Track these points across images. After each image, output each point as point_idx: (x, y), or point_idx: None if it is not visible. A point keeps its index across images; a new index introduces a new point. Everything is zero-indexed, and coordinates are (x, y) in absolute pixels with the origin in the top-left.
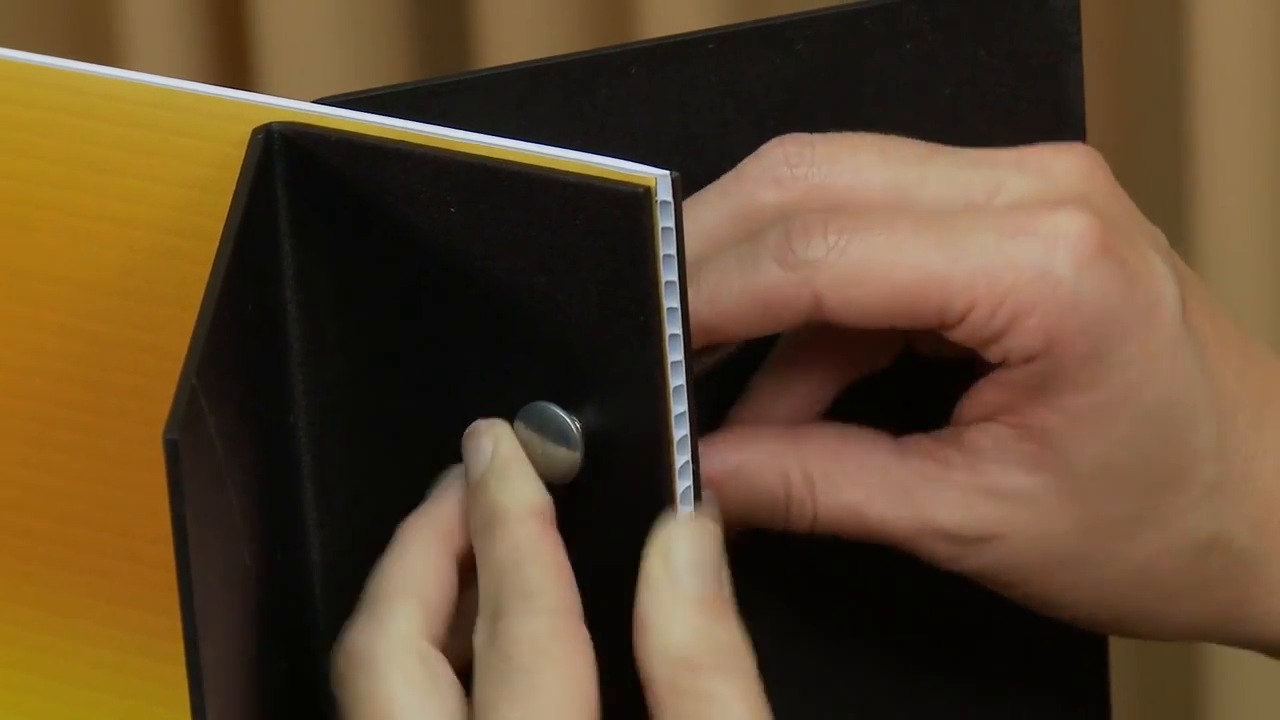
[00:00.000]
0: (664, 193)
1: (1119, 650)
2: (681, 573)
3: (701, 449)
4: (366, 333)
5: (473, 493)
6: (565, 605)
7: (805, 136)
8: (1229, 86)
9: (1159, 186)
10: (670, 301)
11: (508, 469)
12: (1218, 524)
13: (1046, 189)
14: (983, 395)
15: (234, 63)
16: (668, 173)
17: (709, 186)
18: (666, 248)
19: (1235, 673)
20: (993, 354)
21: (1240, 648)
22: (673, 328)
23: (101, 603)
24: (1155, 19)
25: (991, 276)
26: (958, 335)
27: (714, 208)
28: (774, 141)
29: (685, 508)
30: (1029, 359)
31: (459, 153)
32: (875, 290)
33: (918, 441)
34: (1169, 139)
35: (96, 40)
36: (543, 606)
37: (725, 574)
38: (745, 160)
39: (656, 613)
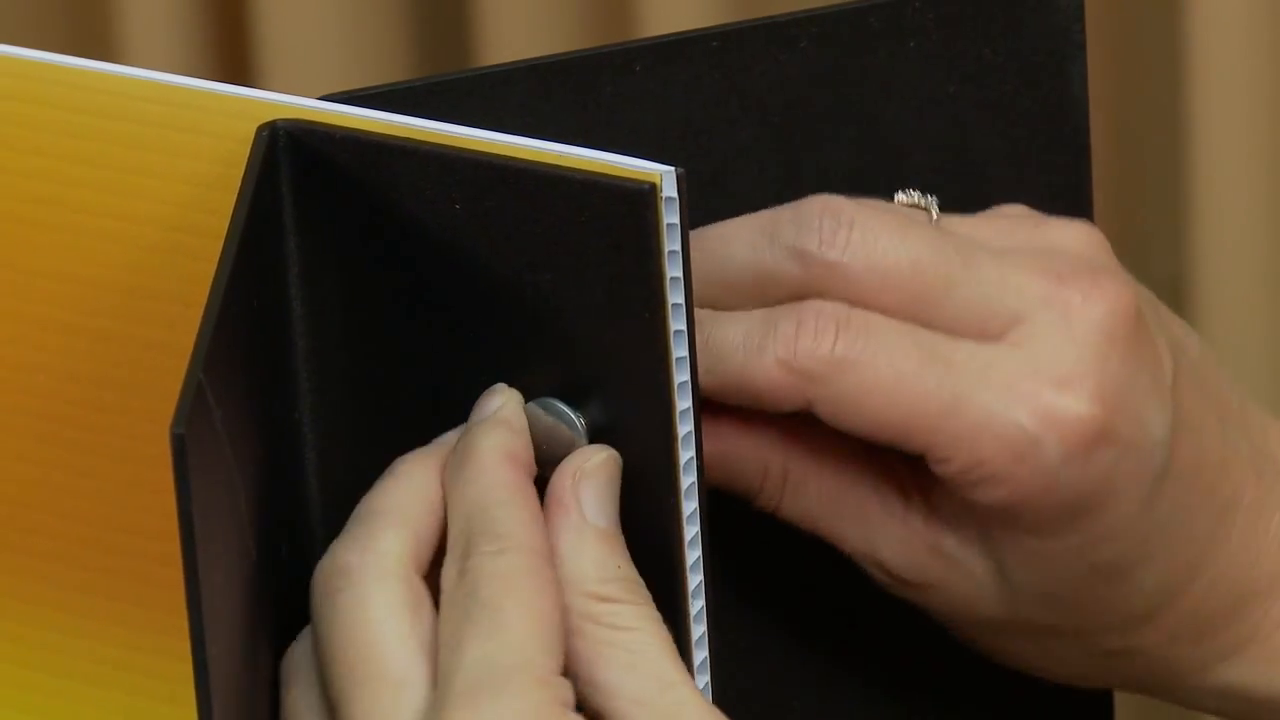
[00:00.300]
0: (669, 189)
1: None
2: (590, 505)
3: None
4: (371, 330)
5: (462, 437)
6: (534, 546)
7: (847, 210)
8: (1226, 86)
9: (1158, 186)
10: (675, 298)
11: (504, 422)
12: (1134, 641)
13: (1064, 344)
14: (954, 482)
15: (233, 62)
16: (673, 169)
17: (740, 221)
18: (671, 244)
19: None
20: (963, 491)
21: None
22: (677, 324)
23: (107, 600)
24: (1153, 18)
25: (976, 443)
26: (934, 469)
27: (739, 256)
28: (817, 205)
29: (689, 504)
30: (994, 507)
31: (464, 150)
32: (864, 419)
33: (893, 466)
34: (1167, 138)
35: (95, 40)
36: (511, 545)
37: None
38: (783, 210)
39: (566, 544)
